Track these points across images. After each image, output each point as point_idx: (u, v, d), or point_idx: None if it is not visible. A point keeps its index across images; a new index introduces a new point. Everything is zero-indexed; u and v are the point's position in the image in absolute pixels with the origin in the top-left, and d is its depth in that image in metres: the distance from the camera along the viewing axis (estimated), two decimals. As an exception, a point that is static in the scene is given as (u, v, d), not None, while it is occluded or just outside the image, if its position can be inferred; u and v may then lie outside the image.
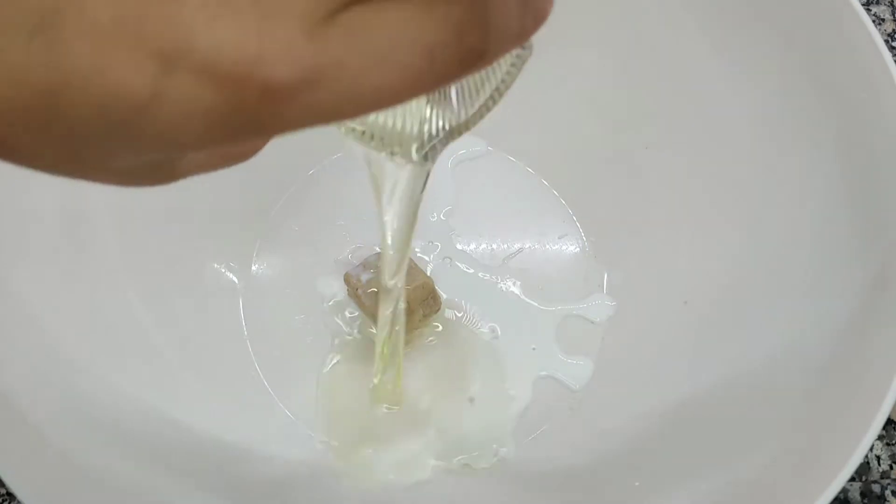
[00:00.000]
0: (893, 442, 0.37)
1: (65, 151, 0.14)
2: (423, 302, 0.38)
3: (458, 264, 0.41)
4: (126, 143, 0.13)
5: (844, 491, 0.36)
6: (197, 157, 0.18)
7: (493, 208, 0.42)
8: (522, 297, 0.40)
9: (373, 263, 0.38)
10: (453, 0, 0.13)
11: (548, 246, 0.41)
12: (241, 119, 0.13)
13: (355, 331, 0.39)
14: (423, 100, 0.19)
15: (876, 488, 0.36)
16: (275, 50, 0.12)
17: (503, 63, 0.20)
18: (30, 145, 0.13)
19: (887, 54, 0.30)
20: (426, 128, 0.19)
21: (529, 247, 0.41)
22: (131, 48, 0.12)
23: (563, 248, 0.41)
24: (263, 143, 0.20)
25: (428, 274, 0.39)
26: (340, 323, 0.39)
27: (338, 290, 0.40)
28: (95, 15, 0.12)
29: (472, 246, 0.41)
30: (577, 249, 0.41)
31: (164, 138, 0.13)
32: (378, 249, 0.40)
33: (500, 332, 0.39)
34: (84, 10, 0.12)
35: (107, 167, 0.14)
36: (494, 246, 0.41)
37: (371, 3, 0.13)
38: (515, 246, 0.41)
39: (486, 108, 0.20)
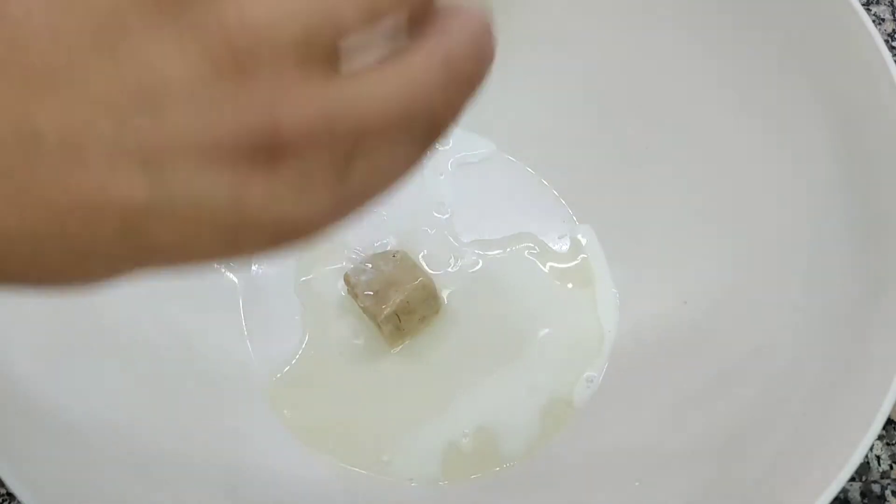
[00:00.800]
0: (893, 442, 0.37)
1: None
2: (424, 302, 0.38)
3: (458, 264, 0.41)
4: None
5: (844, 491, 0.36)
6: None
7: (494, 208, 0.42)
8: (524, 298, 0.40)
9: (373, 263, 0.38)
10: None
11: (548, 246, 0.41)
12: (288, 245, 0.16)
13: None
14: None
15: (876, 488, 0.36)
16: (320, 210, 0.15)
17: None
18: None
19: (887, 54, 0.30)
20: None
21: (529, 249, 0.41)
22: (212, 232, 0.14)
23: (563, 248, 0.41)
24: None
25: (427, 273, 0.39)
26: (340, 323, 0.39)
27: (338, 290, 0.40)
28: (175, 216, 0.14)
29: (473, 246, 0.41)
30: (577, 250, 0.41)
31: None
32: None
33: (501, 332, 0.39)
34: (163, 212, 0.14)
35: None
36: (495, 246, 0.41)
37: (372, 143, 0.15)
38: (516, 248, 0.41)
39: None
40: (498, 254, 0.41)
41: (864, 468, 0.36)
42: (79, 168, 0.13)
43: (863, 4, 0.41)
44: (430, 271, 0.40)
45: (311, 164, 0.14)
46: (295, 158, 0.14)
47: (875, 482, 0.36)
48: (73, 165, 0.13)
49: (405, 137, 0.16)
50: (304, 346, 0.39)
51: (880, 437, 0.37)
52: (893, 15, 0.45)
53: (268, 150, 0.14)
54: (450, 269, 0.41)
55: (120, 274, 0.15)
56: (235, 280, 0.40)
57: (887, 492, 0.36)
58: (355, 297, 0.38)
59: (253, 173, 0.14)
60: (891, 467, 0.36)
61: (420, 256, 0.41)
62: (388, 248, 0.41)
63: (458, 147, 0.43)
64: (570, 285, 0.40)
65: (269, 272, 0.40)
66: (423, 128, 0.16)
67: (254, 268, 0.40)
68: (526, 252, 0.41)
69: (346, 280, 0.38)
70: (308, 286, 0.40)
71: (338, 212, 0.16)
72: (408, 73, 0.15)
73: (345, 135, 0.15)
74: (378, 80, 0.15)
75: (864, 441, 0.26)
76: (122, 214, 0.13)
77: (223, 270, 0.40)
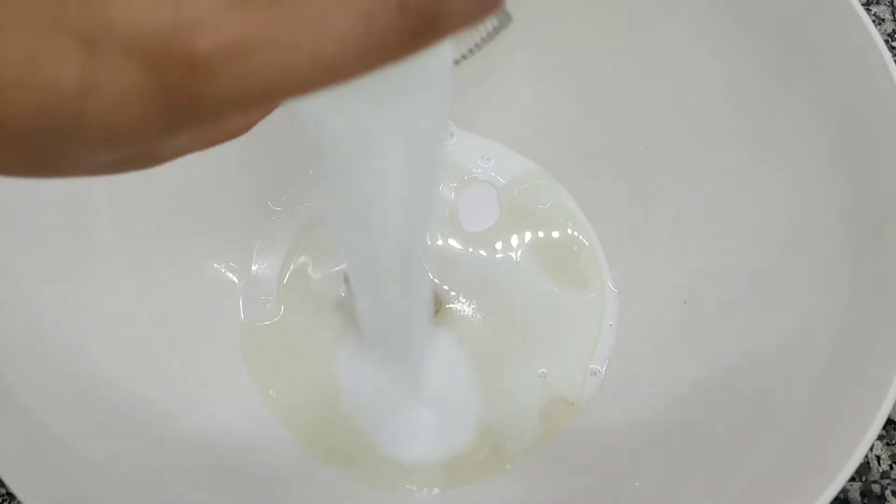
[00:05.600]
0: (893, 442, 0.37)
1: (19, 156, 0.13)
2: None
3: (458, 264, 0.41)
4: (74, 142, 0.13)
5: (844, 491, 0.36)
6: (176, 141, 0.16)
7: (494, 208, 0.42)
8: (524, 297, 0.40)
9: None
10: None
11: (548, 245, 0.41)
12: (173, 99, 0.12)
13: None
14: None
15: (876, 488, 0.36)
16: (192, 19, 0.12)
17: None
18: None
19: (887, 54, 0.30)
20: None
21: (530, 247, 0.41)
22: (56, 35, 0.12)
23: (563, 247, 0.41)
24: (246, 122, 0.19)
25: (427, 274, 0.39)
26: (340, 323, 0.39)
27: (338, 290, 0.40)
28: (17, 4, 0.12)
29: (473, 246, 0.41)
30: (577, 249, 0.41)
31: (107, 133, 0.13)
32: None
33: (500, 332, 0.39)
34: (4, 2, 0.12)
35: (73, 166, 0.14)
36: (494, 246, 0.41)
37: None
38: (516, 246, 0.41)
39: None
40: (498, 251, 0.41)
41: (864, 468, 0.36)
42: None
43: (863, 4, 0.41)
44: (430, 271, 0.40)
45: None
46: None
47: (875, 482, 0.36)
48: None
49: None
50: (303, 346, 0.39)
51: (880, 437, 0.37)
52: (893, 15, 0.45)
53: None
54: (450, 268, 0.41)
55: None
56: (235, 280, 0.40)
57: (887, 492, 0.36)
58: (355, 297, 0.38)
59: None
60: (891, 467, 0.36)
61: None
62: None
63: (458, 145, 0.43)
64: (570, 285, 0.40)
65: (269, 272, 0.40)
66: None
67: (254, 268, 0.40)
68: (526, 251, 0.41)
69: (347, 280, 0.38)
70: (308, 286, 0.40)
71: (233, 52, 0.12)
72: None
73: None
74: None
75: (864, 441, 0.26)
76: None
77: (223, 270, 0.40)
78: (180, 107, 0.12)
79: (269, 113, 0.18)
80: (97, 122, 0.13)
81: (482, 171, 0.43)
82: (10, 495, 0.34)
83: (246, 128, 0.19)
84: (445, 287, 0.40)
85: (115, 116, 0.12)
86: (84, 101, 0.12)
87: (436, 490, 0.36)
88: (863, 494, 0.36)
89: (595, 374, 0.38)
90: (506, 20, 0.20)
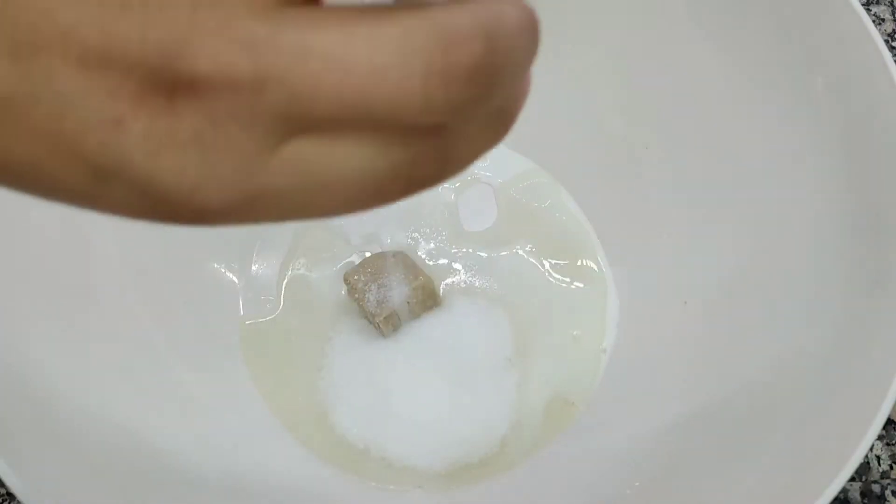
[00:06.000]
0: (893, 442, 0.37)
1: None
2: (422, 303, 0.38)
3: (458, 261, 0.41)
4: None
5: (844, 491, 0.36)
6: None
7: (494, 206, 0.42)
8: (523, 297, 0.40)
9: (373, 263, 0.38)
10: (412, 140, 0.13)
11: (548, 245, 0.41)
12: (171, 219, 0.13)
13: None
14: None
15: (876, 488, 0.36)
16: (215, 181, 0.12)
17: None
18: None
19: (887, 54, 0.30)
20: None
21: (530, 247, 0.41)
22: (68, 159, 0.12)
23: (563, 247, 0.41)
24: None
25: (427, 274, 0.39)
26: (341, 323, 0.39)
27: (338, 290, 0.40)
28: (34, 121, 0.12)
29: (473, 246, 0.41)
30: (577, 248, 0.41)
31: (101, 211, 0.13)
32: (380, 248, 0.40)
33: (500, 332, 0.39)
34: (22, 114, 0.12)
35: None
36: (494, 246, 0.41)
37: (323, 134, 0.12)
38: (516, 246, 0.41)
39: None
40: (498, 251, 0.41)
41: (864, 468, 0.36)
42: None
43: (863, 4, 0.41)
44: (431, 269, 0.40)
45: (233, 123, 0.12)
46: (207, 104, 0.12)
47: (875, 482, 0.36)
48: None
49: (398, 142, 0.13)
50: (303, 346, 0.39)
51: (880, 437, 0.37)
52: (893, 15, 0.45)
53: (171, 80, 0.11)
54: (449, 267, 0.41)
55: None
56: (235, 280, 0.40)
57: (887, 492, 0.36)
58: (355, 297, 0.38)
59: (141, 105, 0.11)
60: (891, 467, 0.36)
61: (421, 254, 0.41)
62: (388, 247, 0.41)
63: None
64: (569, 285, 0.40)
65: (269, 272, 0.40)
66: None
67: (254, 268, 0.40)
68: (526, 250, 0.41)
69: (346, 280, 0.38)
70: (308, 286, 0.40)
71: (244, 206, 0.13)
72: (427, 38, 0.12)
73: (296, 101, 0.12)
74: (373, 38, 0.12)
75: (864, 441, 0.26)
76: None
77: (223, 270, 0.40)
78: (176, 222, 0.13)
79: None
80: (92, 207, 0.13)
81: (480, 171, 0.43)
82: (10, 495, 0.34)
83: None
84: (444, 286, 0.40)
85: (111, 210, 0.13)
86: (80, 202, 0.13)
87: (436, 490, 0.36)
88: (863, 494, 0.36)
89: (595, 373, 0.38)
90: None
